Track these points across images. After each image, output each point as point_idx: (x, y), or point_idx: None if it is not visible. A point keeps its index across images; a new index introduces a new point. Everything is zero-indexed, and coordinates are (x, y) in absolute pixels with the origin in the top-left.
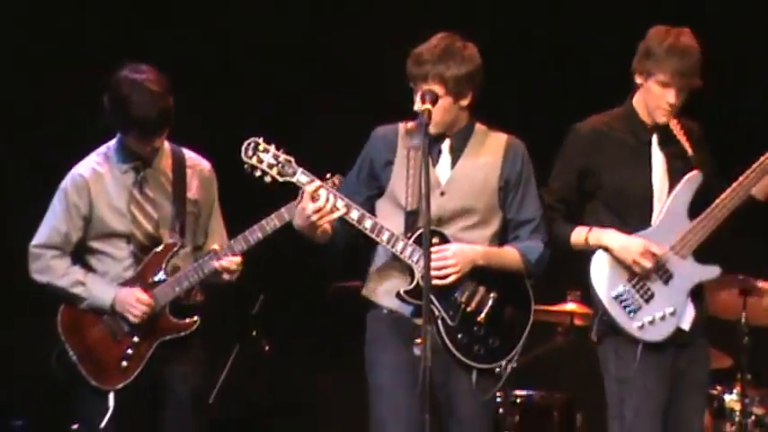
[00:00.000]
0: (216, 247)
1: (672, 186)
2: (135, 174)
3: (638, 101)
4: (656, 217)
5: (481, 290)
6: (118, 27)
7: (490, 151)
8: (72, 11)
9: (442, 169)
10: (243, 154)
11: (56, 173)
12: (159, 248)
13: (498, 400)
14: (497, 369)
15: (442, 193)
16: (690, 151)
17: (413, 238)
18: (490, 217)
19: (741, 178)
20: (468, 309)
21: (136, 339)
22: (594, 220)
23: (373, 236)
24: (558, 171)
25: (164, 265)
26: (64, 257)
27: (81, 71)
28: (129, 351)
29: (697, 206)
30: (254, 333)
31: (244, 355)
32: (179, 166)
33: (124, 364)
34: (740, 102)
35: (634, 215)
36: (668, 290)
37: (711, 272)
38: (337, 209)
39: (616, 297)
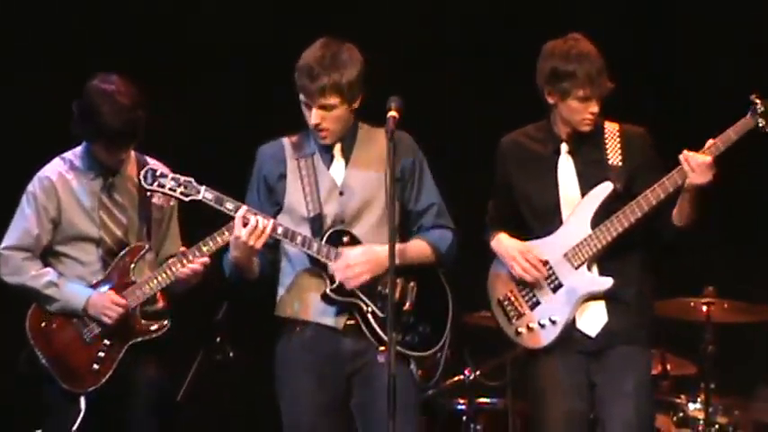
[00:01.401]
0: (183, 249)
1: (586, 194)
2: (103, 180)
3: (552, 115)
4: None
5: (400, 281)
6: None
7: (380, 147)
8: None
9: (337, 171)
10: (143, 182)
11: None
12: (127, 251)
13: (462, 407)
14: (438, 355)
15: (341, 193)
16: (614, 159)
17: (325, 239)
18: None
19: (645, 193)
20: (394, 300)
21: (107, 342)
22: (521, 231)
23: (287, 241)
24: (494, 181)
25: (133, 268)
26: (34, 260)
27: (41, 73)
28: (101, 354)
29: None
30: (218, 339)
31: (208, 362)
32: None
33: (95, 366)
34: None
35: (544, 224)
36: (555, 298)
37: (601, 284)
38: (266, 225)
39: (500, 301)
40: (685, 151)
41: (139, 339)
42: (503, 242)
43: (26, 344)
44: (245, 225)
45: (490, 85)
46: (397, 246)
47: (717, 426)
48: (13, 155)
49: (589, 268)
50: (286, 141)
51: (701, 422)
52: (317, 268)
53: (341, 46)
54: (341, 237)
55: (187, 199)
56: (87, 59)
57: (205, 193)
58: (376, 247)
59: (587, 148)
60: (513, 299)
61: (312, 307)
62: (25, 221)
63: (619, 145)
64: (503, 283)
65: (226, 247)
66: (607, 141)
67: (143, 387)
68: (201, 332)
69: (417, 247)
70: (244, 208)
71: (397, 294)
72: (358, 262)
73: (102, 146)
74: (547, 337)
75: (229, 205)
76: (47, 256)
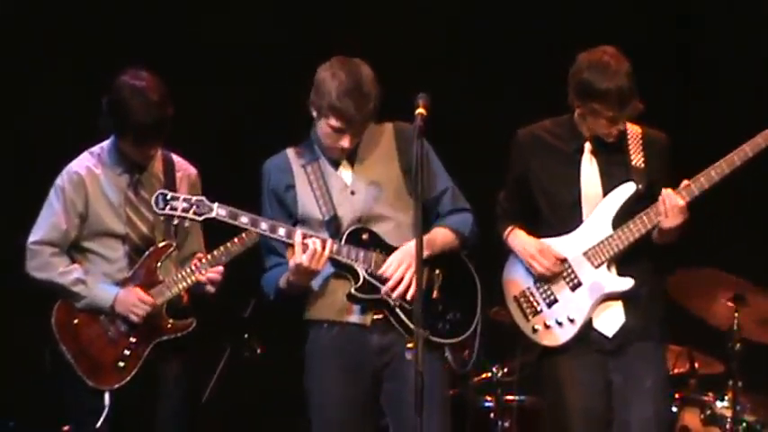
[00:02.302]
0: (200, 255)
1: (608, 193)
2: (130, 176)
3: (579, 117)
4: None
5: (426, 270)
6: (115, 26)
7: (382, 143)
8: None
9: (344, 172)
10: (155, 207)
11: (38, 171)
12: (154, 249)
13: (490, 404)
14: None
15: (353, 193)
16: (637, 161)
17: (344, 240)
18: (403, 206)
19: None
20: (422, 288)
21: (133, 340)
22: (536, 226)
23: (337, 256)
24: (507, 173)
25: (159, 266)
26: (62, 255)
27: (69, 70)
28: (126, 352)
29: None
30: (246, 336)
31: (235, 358)
32: (169, 170)
33: (121, 364)
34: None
35: (564, 221)
36: (573, 297)
37: (623, 284)
38: (324, 246)
39: (516, 298)
40: (664, 190)
41: (165, 338)
42: (521, 239)
43: (51, 339)
44: (304, 251)
45: (499, 85)
46: (427, 238)
47: (745, 423)
48: (40, 150)
49: (608, 268)
50: (290, 151)
51: (729, 420)
52: (340, 269)
53: (359, 70)
54: (360, 234)
55: (201, 218)
56: (110, 54)
57: (219, 210)
58: (405, 246)
59: (610, 149)
60: (530, 296)
61: (338, 307)
62: (53, 216)
63: (641, 147)
64: (519, 280)
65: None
66: (630, 143)
67: (169, 386)
68: (229, 329)
69: (443, 236)
70: (299, 233)
71: (424, 286)
72: (396, 271)
73: (131, 141)
74: (564, 335)
75: (244, 219)
76: (73, 251)
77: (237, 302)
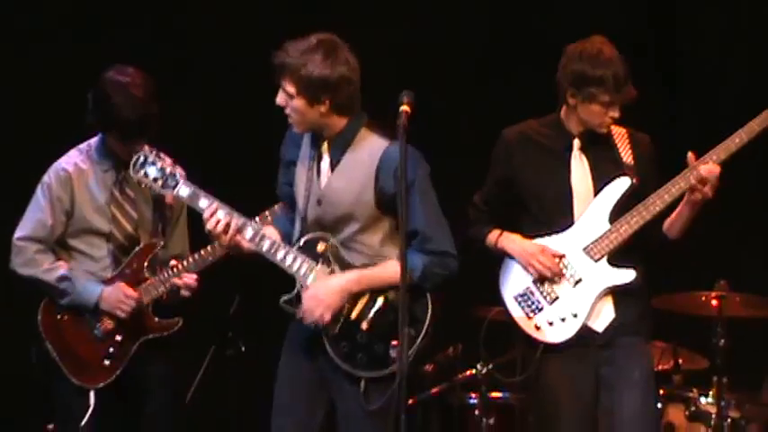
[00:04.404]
0: (174, 263)
1: (599, 190)
2: (115, 173)
3: (564, 113)
4: (577, 220)
5: (365, 296)
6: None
7: (366, 162)
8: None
9: (322, 175)
10: (131, 168)
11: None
12: (141, 247)
13: (474, 401)
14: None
15: (319, 202)
16: (626, 157)
17: (297, 246)
18: (373, 224)
19: (667, 185)
20: (352, 316)
21: (119, 338)
22: (522, 227)
23: (253, 246)
24: (488, 174)
25: (146, 265)
26: (47, 252)
27: (57, 66)
28: (112, 350)
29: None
30: (230, 334)
31: (220, 356)
32: None
33: (106, 362)
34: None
35: (555, 219)
36: (575, 293)
37: (625, 276)
38: (229, 225)
39: (517, 297)
40: (694, 163)
41: (151, 336)
42: (517, 241)
43: (37, 337)
44: (208, 220)
45: (498, 81)
46: (366, 272)
47: (729, 420)
48: (26, 145)
49: (608, 262)
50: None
51: (714, 416)
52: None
53: (328, 45)
54: (316, 244)
55: (163, 191)
56: (101, 47)
57: (181, 189)
58: (328, 283)
59: (599, 146)
60: (530, 295)
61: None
62: (40, 212)
63: (629, 146)
64: (518, 280)
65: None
66: (618, 141)
67: (155, 385)
68: (213, 327)
69: (389, 271)
70: (214, 205)
71: (356, 312)
72: (311, 307)
73: (116, 137)
74: (569, 331)
75: (203, 202)
76: (58, 249)
77: (222, 300)
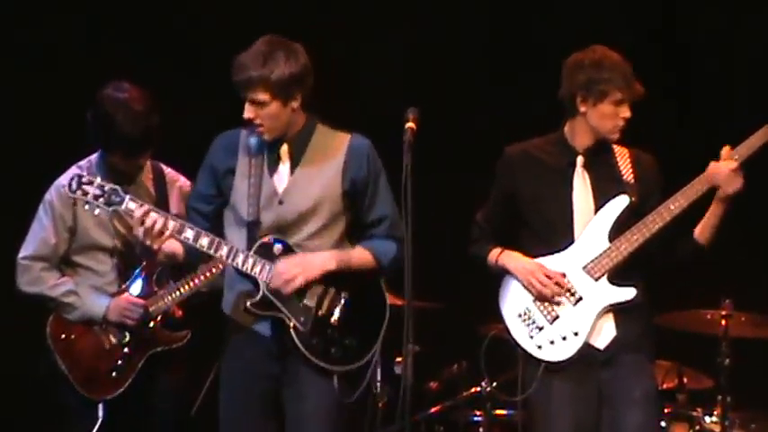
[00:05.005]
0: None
1: (600, 209)
2: None
3: (569, 128)
4: (577, 238)
5: (331, 291)
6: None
7: (331, 155)
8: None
9: (280, 176)
10: (68, 189)
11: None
12: (148, 262)
13: (479, 419)
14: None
15: (281, 202)
16: (627, 176)
17: (254, 249)
18: (334, 221)
19: (665, 203)
20: (320, 312)
21: (127, 351)
22: (524, 244)
23: (212, 252)
24: (491, 192)
25: (154, 278)
26: (52, 269)
27: (60, 81)
28: (120, 362)
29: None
30: None
31: None
32: (160, 181)
33: (114, 375)
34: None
35: (556, 237)
36: (575, 311)
37: (625, 294)
38: (167, 228)
39: (519, 316)
40: (713, 162)
41: (159, 349)
42: (517, 259)
43: (46, 350)
44: (141, 224)
45: (498, 82)
46: (340, 253)
47: None
48: (29, 163)
49: (608, 280)
50: (243, 134)
51: None
52: (245, 278)
53: (280, 44)
54: (272, 247)
55: (110, 209)
56: (98, 62)
57: (128, 203)
58: (308, 254)
59: (601, 165)
60: (531, 314)
61: (241, 312)
62: (43, 231)
63: (629, 164)
64: (518, 299)
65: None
66: (618, 160)
67: (162, 398)
68: (218, 342)
69: (359, 256)
70: (146, 207)
71: (325, 307)
72: (289, 268)
73: (120, 155)
74: (570, 349)
75: (151, 216)
76: (63, 266)
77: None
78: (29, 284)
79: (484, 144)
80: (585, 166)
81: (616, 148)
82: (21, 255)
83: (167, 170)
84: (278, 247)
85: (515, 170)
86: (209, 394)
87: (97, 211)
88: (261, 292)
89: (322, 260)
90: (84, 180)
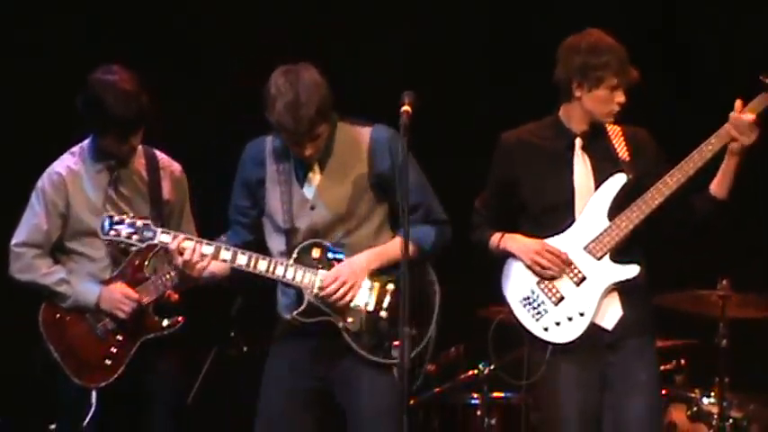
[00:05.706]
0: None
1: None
2: (109, 173)
3: (564, 112)
4: (576, 219)
5: (376, 286)
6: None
7: (355, 151)
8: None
9: (309, 181)
10: (101, 233)
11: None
12: (141, 247)
13: (477, 402)
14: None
15: (312, 207)
16: (623, 155)
17: (293, 258)
18: (369, 215)
19: (663, 178)
20: (369, 308)
21: (120, 338)
22: (523, 230)
23: (251, 270)
24: (489, 178)
25: (146, 264)
26: (45, 256)
27: (60, 81)
28: (113, 350)
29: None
30: (233, 334)
31: (222, 357)
32: (152, 167)
33: (107, 362)
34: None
35: (557, 221)
36: (580, 291)
37: (629, 272)
38: (205, 255)
39: (522, 300)
40: (732, 113)
41: (152, 335)
42: (519, 240)
43: (39, 338)
44: (181, 254)
45: (498, 81)
46: (379, 250)
47: (731, 420)
48: (21, 150)
49: (610, 259)
50: (269, 141)
51: (716, 416)
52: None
53: (295, 72)
54: (311, 251)
55: (144, 245)
56: (98, 62)
57: (161, 236)
58: (353, 260)
59: (599, 145)
60: (535, 297)
61: (292, 309)
62: (35, 217)
63: (623, 142)
64: (522, 282)
65: None
66: (612, 139)
67: (157, 385)
68: (215, 328)
69: (398, 247)
70: (180, 238)
71: (372, 304)
72: (338, 279)
73: (113, 136)
74: (577, 330)
75: (186, 245)
76: (57, 252)
77: (224, 301)
78: (21, 272)
79: (484, 144)
80: (584, 148)
81: (608, 126)
82: (13, 241)
83: (160, 155)
84: (316, 254)
85: (514, 157)
86: (205, 381)
87: (134, 248)
88: (306, 302)
89: (367, 261)
90: (115, 220)
